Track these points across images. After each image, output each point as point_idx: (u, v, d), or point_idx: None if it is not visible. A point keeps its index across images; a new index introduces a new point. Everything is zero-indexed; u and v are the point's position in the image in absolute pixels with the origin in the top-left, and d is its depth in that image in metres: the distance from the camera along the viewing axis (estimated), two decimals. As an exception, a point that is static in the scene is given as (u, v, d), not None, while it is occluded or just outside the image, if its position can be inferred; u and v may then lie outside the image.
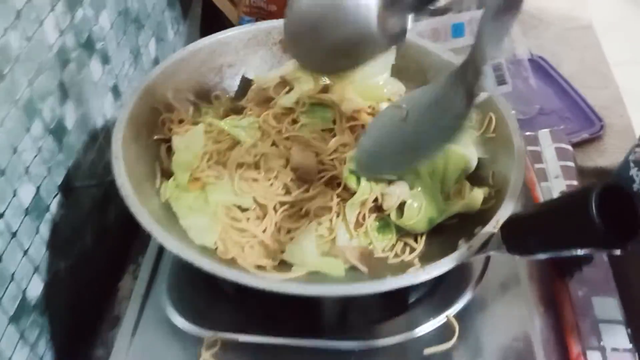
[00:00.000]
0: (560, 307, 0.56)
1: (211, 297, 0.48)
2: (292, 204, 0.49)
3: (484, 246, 0.42)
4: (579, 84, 0.90)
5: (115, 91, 0.66)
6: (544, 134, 0.78)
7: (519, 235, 0.39)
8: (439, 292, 0.50)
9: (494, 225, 0.43)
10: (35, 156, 0.51)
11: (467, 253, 0.42)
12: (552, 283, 0.57)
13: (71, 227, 0.58)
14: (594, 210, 0.32)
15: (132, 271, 0.61)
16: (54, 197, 0.55)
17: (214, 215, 0.48)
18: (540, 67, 0.93)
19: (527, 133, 0.77)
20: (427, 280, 0.42)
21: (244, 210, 0.48)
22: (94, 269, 0.62)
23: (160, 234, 0.43)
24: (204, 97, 0.59)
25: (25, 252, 0.50)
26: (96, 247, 0.62)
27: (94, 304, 0.59)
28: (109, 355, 0.52)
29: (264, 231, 0.47)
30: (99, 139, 0.63)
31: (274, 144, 0.52)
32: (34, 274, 0.52)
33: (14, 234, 0.49)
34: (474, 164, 0.52)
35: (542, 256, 0.41)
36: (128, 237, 0.63)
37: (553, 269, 0.58)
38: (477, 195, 0.49)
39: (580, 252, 0.35)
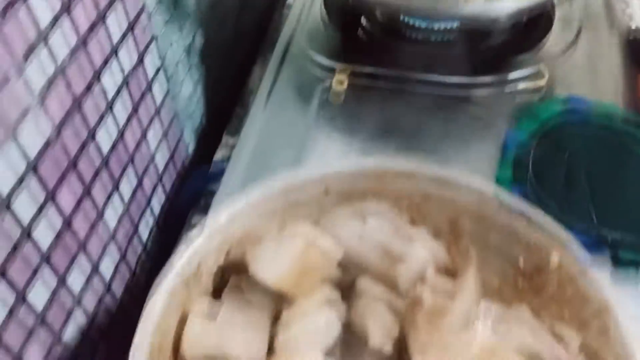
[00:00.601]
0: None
1: (342, 40, 0.59)
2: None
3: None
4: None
5: None
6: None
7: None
8: (535, 50, 0.59)
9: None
10: None
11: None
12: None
13: (216, 22, 0.70)
14: None
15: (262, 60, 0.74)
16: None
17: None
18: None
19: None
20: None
21: None
22: (234, 57, 0.75)
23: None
24: None
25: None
26: (237, 44, 0.75)
27: (234, 80, 0.73)
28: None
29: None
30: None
31: None
32: (195, 35, 0.65)
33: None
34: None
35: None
36: (259, 41, 0.76)
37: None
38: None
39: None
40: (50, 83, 0.39)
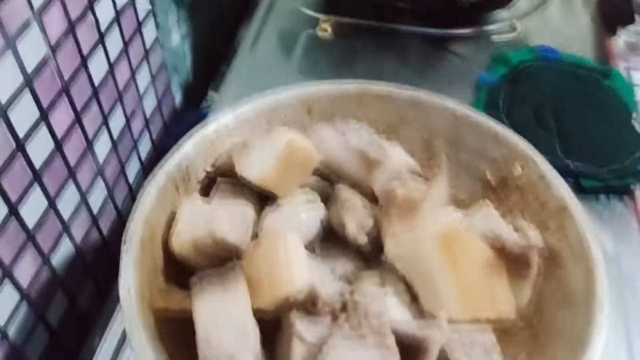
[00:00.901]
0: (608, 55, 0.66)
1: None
2: None
3: None
4: None
5: None
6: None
7: None
8: (509, 5, 0.62)
9: None
10: None
11: None
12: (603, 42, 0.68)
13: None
14: None
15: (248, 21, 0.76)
16: None
17: None
18: None
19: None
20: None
21: None
22: (224, 17, 0.77)
23: None
24: None
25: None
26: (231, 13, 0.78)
27: (222, 42, 0.75)
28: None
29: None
30: None
31: None
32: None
33: None
34: None
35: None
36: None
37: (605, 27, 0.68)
38: None
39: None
40: (47, 1, 0.41)
